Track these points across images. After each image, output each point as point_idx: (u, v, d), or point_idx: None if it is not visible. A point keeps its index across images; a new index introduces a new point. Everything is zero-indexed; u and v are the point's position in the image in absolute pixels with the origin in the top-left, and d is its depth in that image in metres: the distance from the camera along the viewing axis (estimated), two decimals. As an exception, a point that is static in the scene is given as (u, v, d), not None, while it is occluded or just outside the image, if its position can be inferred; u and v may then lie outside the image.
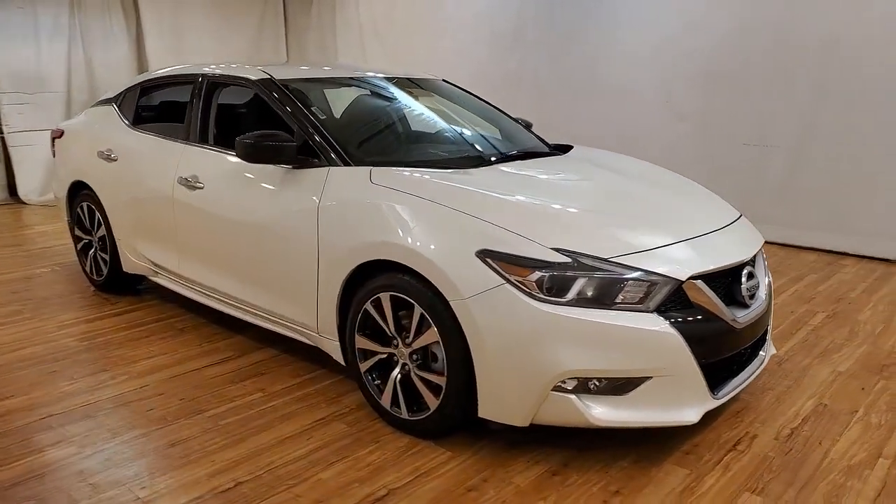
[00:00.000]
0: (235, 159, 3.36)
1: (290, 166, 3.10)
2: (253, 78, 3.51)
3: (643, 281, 2.37)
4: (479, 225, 2.49)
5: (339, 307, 2.91)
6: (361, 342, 2.85)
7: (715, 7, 6.09)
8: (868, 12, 5.26)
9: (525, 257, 2.37)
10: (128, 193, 4.03)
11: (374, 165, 2.95)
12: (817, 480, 2.46)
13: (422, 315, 2.58)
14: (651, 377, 2.38)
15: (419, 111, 3.74)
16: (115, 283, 4.41)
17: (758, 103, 5.96)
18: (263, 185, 3.20)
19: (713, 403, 2.52)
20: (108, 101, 4.50)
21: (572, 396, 2.37)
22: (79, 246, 4.63)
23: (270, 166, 3.18)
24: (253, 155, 3.05)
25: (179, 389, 3.17)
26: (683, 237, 2.60)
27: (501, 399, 2.45)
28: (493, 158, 3.25)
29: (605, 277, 2.36)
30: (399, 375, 2.74)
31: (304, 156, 3.07)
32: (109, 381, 3.25)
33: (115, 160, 4.11)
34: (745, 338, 2.65)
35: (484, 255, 2.41)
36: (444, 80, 4.22)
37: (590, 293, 2.35)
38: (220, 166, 3.47)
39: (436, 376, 2.61)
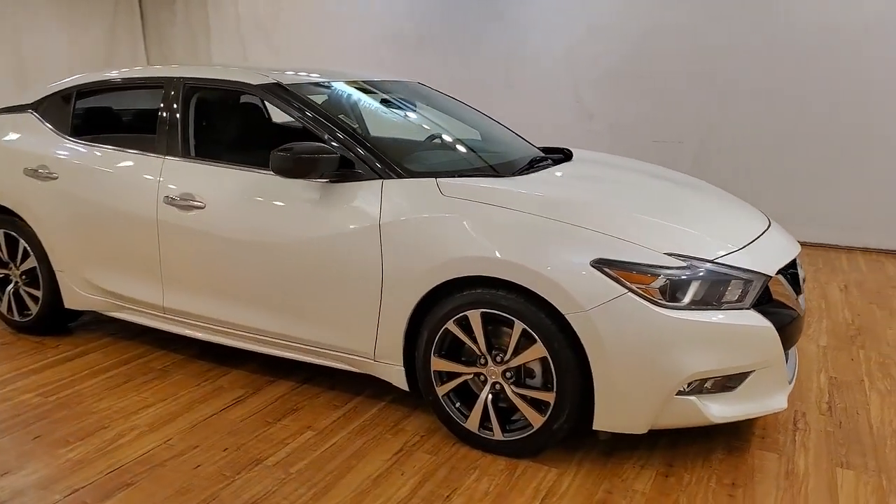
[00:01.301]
0: (249, 174, 3.03)
1: (326, 180, 2.83)
2: (255, 83, 3.16)
3: (742, 279, 2.47)
4: (586, 234, 2.45)
5: (407, 329, 2.72)
6: (439, 364, 2.69)
7: (621, 13, 6.46)
8: (764, 17, 5.88)
9: (644, 264, 2.37)
10: (77, 217, 3.44)
11: (423, 176, 2.78)
12: (882, 446, 2.73)
13: (524, 331, 2.49)
14: (754, 371, 2.49)
15: (430, 117, 3.58)
16: (46, 322, 3.76)
17: (665, 103, 6.43)
18: (295, 203, 2.89)
19: (790, 388, 2.70)
20: (19, 109, 3.80)
21: (692, 398, 2.42)
22: (-10, 282, 3.88)
23: (301, 182, 2.88)
24: (293, 169, 2.74)
25: (213, 439, 2.78)
26: (752, 236, 2.74)
27: (622, 408, 2.43)
28: (523, 165, 3.20)
29: (715, 279, 2.42)
30: (489, 395, 2.62)
31: (342, 168, 2.82)
32: (120, 440, 2.77)
33: (55, 178, 3.49)
34: (802, 324, 2.87)
35: (600, 264, 2.38)
36: (419, 84, 4.08)
37: (701, 295, 2.41)
38: (227, 183, 3.07)
39: (539, 392, 2.54)
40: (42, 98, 3.75)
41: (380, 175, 2.80)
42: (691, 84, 6.27)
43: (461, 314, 2.59)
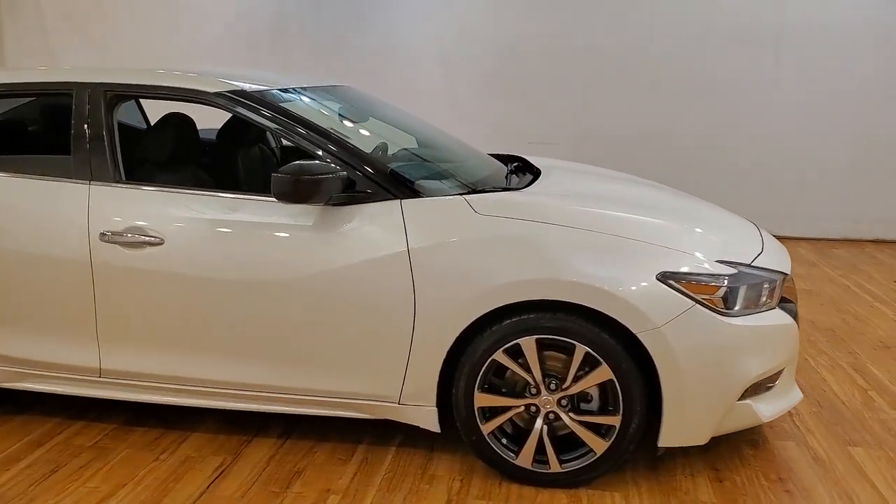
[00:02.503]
0: (217, 199, 2.53)
1: (328, 204, 2.44)
2: (211, 90, 2.62)
3: (772, 280, 2.54)
4: (643, 247, 2.36)
5: (444, 365, 2.44)
6: (484, 399, 2.44)
7: (490, 18, 6.50)
8: (621, 23, 6.25)
9: (705, 274, 2.34)
10: (-44, 266, 2.64)
11: (440, 194, 2.52)
12: (863, 419, 2.99)
13: (586, 354, 2.34)
14: (785, 367, 2.58)
15: (398, 126, 3.23)
16: None
17: (538, 105, 6.59)
18: (289, 231, 2.46)
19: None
20: None
21: (748, 401, 2.44)
22: None
23: (291, 206, 2.46)
24: (298, 193, 2.32)
25: (220, 526, 2.28)
26: (760, 237, 2.83)
27: (688, 422, 2.39)
28: (516, 176, 3.03)
29: (755, 282, 2.46)
30: (544, 427, 2.43)
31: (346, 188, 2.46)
32: (99, 552, 2.15)
33: (-84, 218, 2.64)
34: None
35: (665, 277, 2.30)
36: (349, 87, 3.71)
37: (747, 300, 2.44)
38: (190, 211, 2.52)
39: (601, 417, 2.41)
40: None
41: (394, 195, 2.47)
42: (566, 85, 6.50)
43: (512, 343, 2.37)
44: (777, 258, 2.70)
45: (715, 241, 2.58)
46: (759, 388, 2.49)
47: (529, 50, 6.49)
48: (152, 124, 3.09)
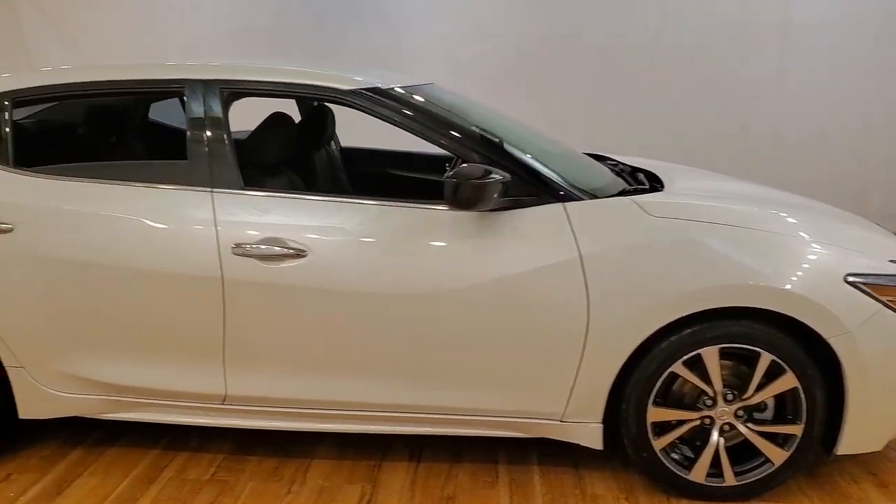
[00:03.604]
0: (362, 206, 2.32)
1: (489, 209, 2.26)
2: (345, 88, 2.41)
3: None
4: (827, 249, 2.28)
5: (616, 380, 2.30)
6: (658, 414, 2.31)
7: (499, 16, 6.36)
8: (630, 21, 6.21)
9: (887, 275, 2.27)
10: (55, 285, 2.34)
11: (602, 196, 2.38)
12: None
13: (771, 362, 2.24)
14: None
15: (510, 125, 3.04)
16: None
17: (547, 104, 6.48)
18: (446, 241, 2.27)
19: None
20: None
21: (921, 404, 2.39)
22: None
23: (447, 213, 2.28)
24: (472, 198, 2.14)
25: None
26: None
27: (870, 427, 2.32)
28: (639, 177, 2.89)
29: None
30: (721, 439, 2.32)
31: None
32: None
33: (8, 230, 2.33)
34: None
35: (853, 280, 2.22)
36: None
37: None
38: (334, 220, 2.30)
39: (781, 426, 2.31)
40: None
41: (557, 197, 2.31)
42: (575, 84, 6.42)
43: (692, 353, 2.25)
44: None
45: (875, 240, 2.52)
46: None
47: (538, 49, 6.38)
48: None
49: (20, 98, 2.48)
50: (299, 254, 2.26)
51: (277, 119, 2.74)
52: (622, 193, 2.46)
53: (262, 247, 2.27)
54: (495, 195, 2.17)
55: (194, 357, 2.37)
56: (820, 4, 6.02)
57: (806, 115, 6.20)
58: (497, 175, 2.18)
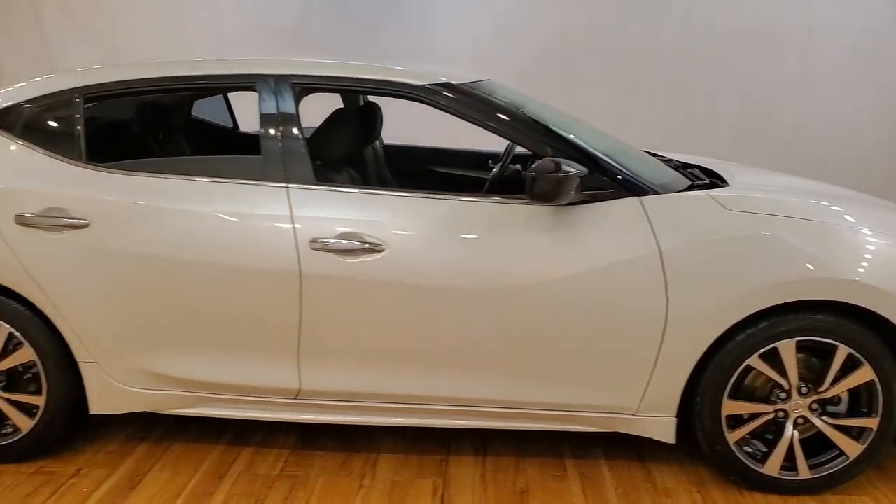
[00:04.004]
0: (435, 201, 2.32)
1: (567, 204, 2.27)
2: (419, 83, 2.42)
3: None
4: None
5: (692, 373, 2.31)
6: (732, 407, 2.32)
7: (524, 13, 6.36)
8: (667, 19, 6.22)
9: (959, 268, 2.28)
10: (131, 280, 2.34)
11: (675, 190, 2.39)
12: None
13: (848, 355, 2.25)
14: None
15: (570, 121, 3.04)
16: (43, 441, 2.52)
17: (573, 100, 6.46)
18: (524, 235, 2.27)
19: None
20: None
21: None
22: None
23: (522, 207, 2.29)
24: (553, 192, 2.15)
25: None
26: None
27: (942, 421, 2.33)
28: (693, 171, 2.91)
29: None
30: (795, 432, 2.33)
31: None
32: None
33: (82, 226, 2.33)
34: None
35: (928, 274, 2.23)
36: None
37: None
38: (414, 215, 2.31)
39: (856, 420, 2.32)
40: (7, 109, 2.47)
41: (632, 192, 2.31)
42: (601, 80, 6.42)
43: (769, 346, 2.26)
44: None
45: None
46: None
47: (563, 47, 6.38)
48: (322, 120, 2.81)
49: (91, 94, 2.48)
50: (376, 248, 2.27)
51: (342, 115, 2.74)
52: (690, 188, 2.48)
53: (341, 241, 2.27)
54: (573, 189, 2.18)
55: (269, 352, 2.38)
56: (843, 6, 6.04)
57: (831, 112, 6.21)
58: (574, 169, 2.19)
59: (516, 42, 6.32)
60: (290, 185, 2.35)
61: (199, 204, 2.33)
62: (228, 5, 6.42)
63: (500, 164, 3.19)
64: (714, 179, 2.68)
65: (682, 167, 2.94)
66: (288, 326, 2.33)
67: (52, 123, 2.46)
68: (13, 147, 2.43)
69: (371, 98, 3.30)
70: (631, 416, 2.38)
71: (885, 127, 6.23)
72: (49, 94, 2.47)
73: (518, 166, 3.16)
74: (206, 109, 3.56)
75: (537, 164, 2.17)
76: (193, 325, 2.37)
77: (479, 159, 3.79)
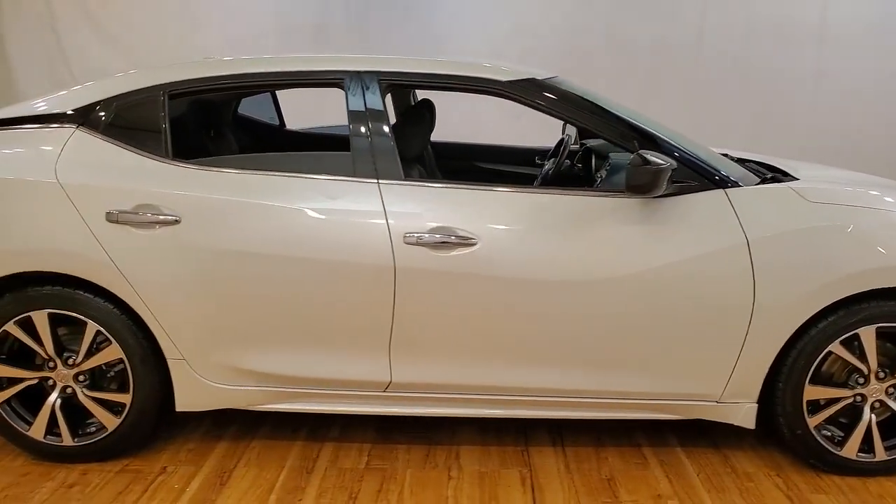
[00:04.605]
0: (524, 196, 2.37)
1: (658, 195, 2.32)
2: (505, 79, 2.47)
3: None
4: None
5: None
6: (814, 392, 2.40)
7: (544, 12, 6.43)
8: (683, 18, 6.33)
9: None
10: (222, 277, 2.35)
11: (753, 183, 2.46)
12: None
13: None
14: None
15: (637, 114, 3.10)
16: (128, 440, 2.52)
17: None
18: (614, 228, 2.33)
19: None
20: (44, 124, 2.47)
21: None
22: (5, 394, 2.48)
23: (609, 200, 2.34)
24: (650, 184, 2.21)
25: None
26: None
27: None
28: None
29: None
30: (872, 416, 2.42)
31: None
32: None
33: (173, 223, 2.33)
34: None
35: None
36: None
37: None
38: (505, 210, 2.35)
39: (930, 401, 2.42)
40: (90, 106, 2.47)
41: (716, 184, 2.38)
42: (621, 80, 6.50)
43: (850, 333, 2.34)
44: None
45: None
46: None
47: (580, 48, 6.46)
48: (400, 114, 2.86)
49: (175, 91, 2.48)
50: (469, 242, 2.30)
51: (417, 112, 2.78)
52: (763, 181, 2.55)
53: (434, 236, 2.31)
54: (666, 181, 2.24)
55: (361, 345, 2.40)
56: (857, 2, 6.18)
57: (844, 113, 6.36)
58: (666, 162, 2.25)
59: (535, 40, 6.38)
60: (381, 181, 2.37)
61: (293, 200, 2.35)
62: (243, 6, 6.41)
63: (556, 159, 3.25)
64: (776, 174, 2.75)
65: (739, 162, 3.02)
66: (381, 320, 2.36)
67: (137, 121, 2.45)
68: (98, 144, 2.42)
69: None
70: (714, 403, 2.45)
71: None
72: (133, 92, 2.47)
73: (567, 161, 3.24)
74: (252, 107, 3.57)
75: (633, 158, 2.23)
76: (285, 321, 2.39)
77: (526, 155, 3.86)
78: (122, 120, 2.46)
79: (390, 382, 2.44)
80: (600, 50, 6.34)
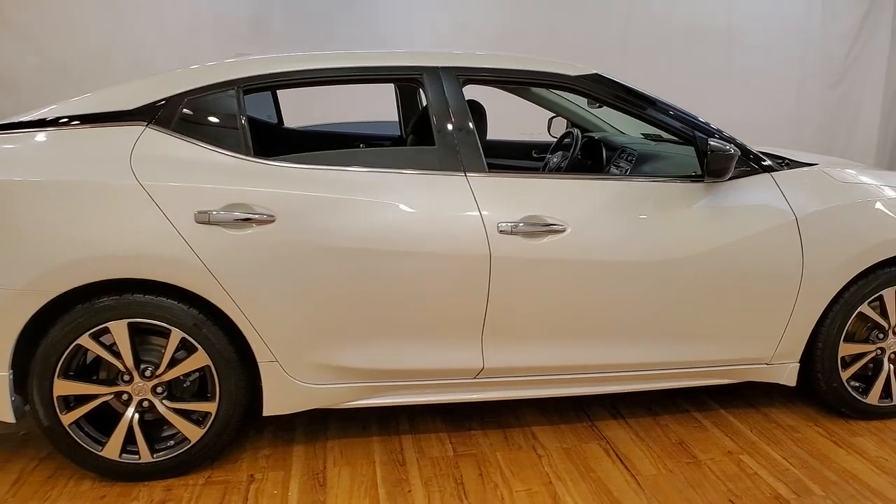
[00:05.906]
0: (600, 182, 2.53)
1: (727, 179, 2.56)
2: (573, 74, 2.60)
3: None
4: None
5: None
6: (847, 349, 2.75)
7: (485, 11, 6.61)
8: (602, 21, 6.74)
9: None
10: (317, 275, 2.31)
11: (788, 167, 2.77)
12: None
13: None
14: None
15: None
16: (207, 452, 2.42)
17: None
18: (687, 211, 2.53)
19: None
20: (107, 123, 2.32)
21: None
22: (79, 411, 2.31)
23: (675, 185, 2.56)
24: (725, 169, 2.45)
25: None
26: None
27: None
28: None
29: None
30: (891, 366, 2.80)
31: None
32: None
33: (268, 221, 2.27)
34: None
35: None
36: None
37: None
38: (589, 198, 2.48)
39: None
40: (158, 104, 2.34)
41: (763, 168, 2.66)
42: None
43: (876, 295, 2.70)
44: None
45: None
46: None
47: (524, 44, 6.71)
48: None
49: (248, 86, 2.41)
50: (558, 229, 2.43)
51: (478, 106, 2.86)
52: (787, 166, 2.86)
53: (525, 225, 2.40)
54: (734, 166, 2.48)
55: (455, 333, 2.45)
56: (759, 7, 6.88)
57: (749, 104, 7.05)
58: (732, 148, 2.48)
59: (476, 41, 6.53)
60: (468, 174, 2.44)
61: (387, 195, 2.36)
62: (179, 1, 6.08)
63: (566, 152, 3.44)
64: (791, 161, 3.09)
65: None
66: (476, 307, 2.43)
67: (212, 118, 2.35)
68: (173, 142, 2.30)
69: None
70: (765, 366, 2.73)
71: (806, 123, 7.18)
72: (204, 88, 2.37)
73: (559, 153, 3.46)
74: (251, 106, 3.48)
75: (711, 145, 2.44)
76: (381, 314, 2.39)
77: (522, 149, 4.03)
78: (195, 116, 2.35)
79: (482, 368, 2.51)
80: (540, 49, 6.61)
